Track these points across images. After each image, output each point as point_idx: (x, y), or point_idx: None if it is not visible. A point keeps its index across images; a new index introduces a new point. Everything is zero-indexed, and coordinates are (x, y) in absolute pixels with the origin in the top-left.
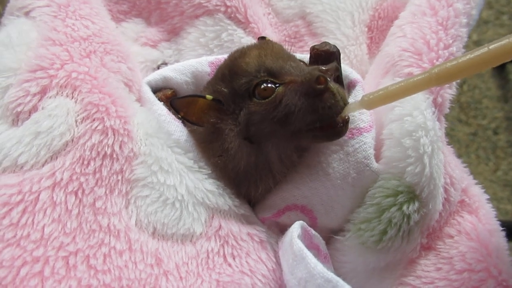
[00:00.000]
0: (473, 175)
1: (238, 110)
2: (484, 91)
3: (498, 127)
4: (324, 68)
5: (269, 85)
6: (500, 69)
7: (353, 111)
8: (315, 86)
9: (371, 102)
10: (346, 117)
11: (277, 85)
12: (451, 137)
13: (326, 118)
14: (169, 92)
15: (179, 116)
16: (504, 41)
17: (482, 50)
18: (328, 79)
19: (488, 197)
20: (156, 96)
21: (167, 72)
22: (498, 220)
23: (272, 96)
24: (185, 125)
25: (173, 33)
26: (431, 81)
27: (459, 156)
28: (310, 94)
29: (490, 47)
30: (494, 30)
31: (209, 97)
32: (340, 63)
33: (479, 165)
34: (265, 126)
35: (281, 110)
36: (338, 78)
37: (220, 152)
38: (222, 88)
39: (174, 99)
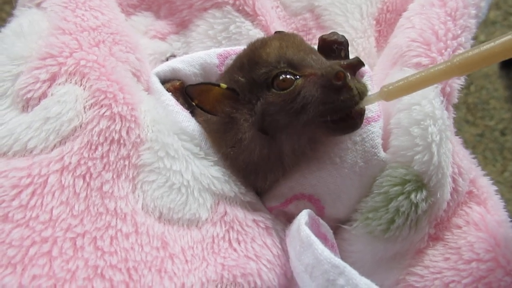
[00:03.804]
0: None
1: (255, 100)
2: (491, 92)
3: (505, 128)
4: (345, 63)
5: (289, 76)
6: (508, 70)
7: (372, 103)
8: (333, 81)
9: (390, 93)
10: (362, 110)
11: (297, 77)
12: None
13: (338, 111)
14: (177, 83)
15: (193, 103)
16: None
17: (506, 37)
18: (348, 75)
19: (497, 188)
20: (165, 87)
21: (176, 63)
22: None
23: (291, 87)
24: (197, 115)
25: (182, 26)
26: (453, 70)
27: None
28: (327, 88)
29: None
30: (502, 31)
31: (223, 85)
32: (348, 54)
33: (486, 166)
34: (281, 117)
35: (299, 102)
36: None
37: (233, 143)
38: (239, 78)
39: (188, 86)
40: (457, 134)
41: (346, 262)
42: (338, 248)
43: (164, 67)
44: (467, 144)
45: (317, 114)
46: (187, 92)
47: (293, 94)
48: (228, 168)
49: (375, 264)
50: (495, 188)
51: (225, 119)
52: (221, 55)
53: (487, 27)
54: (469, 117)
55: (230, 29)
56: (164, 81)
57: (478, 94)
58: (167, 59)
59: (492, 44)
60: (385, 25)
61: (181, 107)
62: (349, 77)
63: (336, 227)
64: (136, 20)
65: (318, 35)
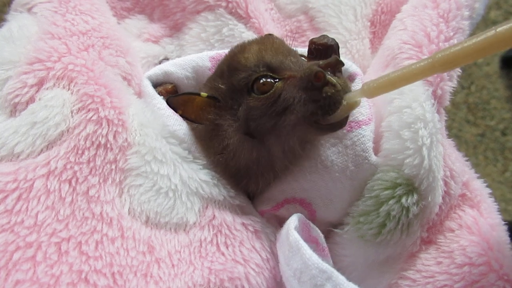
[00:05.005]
0: (481, 176)
1: (237, 105)
2: (492, 92)
3: (506, 128)
4: (323, 63)
5: (268, 79)
6: (508, 70)
7: (354, 100)
8: (313, 81)
9: (372, 90)
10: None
11: (276, 80)
12: (459, 138)
13: (327, 107)
14: (170, 87)
15: (178, 114)
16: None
17: (489, 33)
18: (327, 73)
19: (490, 191)
20: (157, 91)
21: (168, 67)
22: (504, 221)
23: (271, 91)
24: (186, 122)
25: (175, 29)
26: (435, 67)
27: (466, 157)
28: (309, 89)
29: (497, 29)
30: None
31: (204, 94)
32: (339, 57)
33: (487, 166)
34: (265, 120)
35: (279, 104)
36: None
37: (221, 149)
38: (220, 85)
39: (170, 97)
40: (458, 134)
41: (338, 266)
42: (330, 252)
43: (157, 71)
44: (467, 144)
45: (307, 113)
46: (170, 103)
47: (273, 97)
48: (219, 173)
49: (367, 268)
50: (488, 191)
51: (210, 126)
52: (214, 58)
53: (487, 26)
54: (470, 117)
55: (223, 32)
56: (156, 85)
57: (479, 94)
58: (160, 62)
59: (475, 40)
60: (379, 27)
61: (172, 110)
62: (329, 75)
63: (328, 231)
64: (129, 23)
65: (312, 37)
